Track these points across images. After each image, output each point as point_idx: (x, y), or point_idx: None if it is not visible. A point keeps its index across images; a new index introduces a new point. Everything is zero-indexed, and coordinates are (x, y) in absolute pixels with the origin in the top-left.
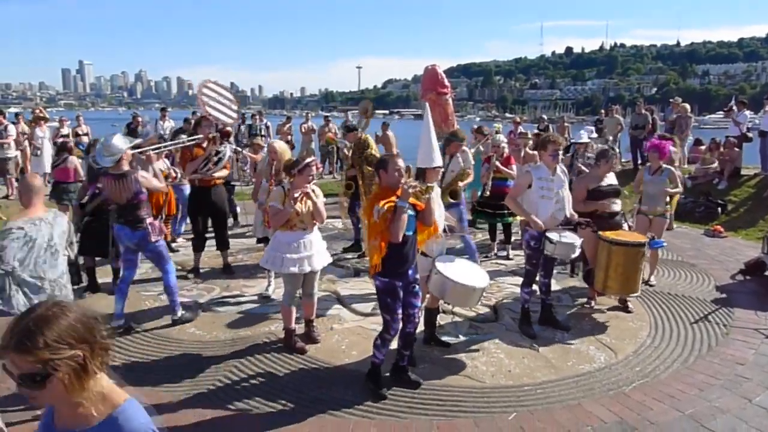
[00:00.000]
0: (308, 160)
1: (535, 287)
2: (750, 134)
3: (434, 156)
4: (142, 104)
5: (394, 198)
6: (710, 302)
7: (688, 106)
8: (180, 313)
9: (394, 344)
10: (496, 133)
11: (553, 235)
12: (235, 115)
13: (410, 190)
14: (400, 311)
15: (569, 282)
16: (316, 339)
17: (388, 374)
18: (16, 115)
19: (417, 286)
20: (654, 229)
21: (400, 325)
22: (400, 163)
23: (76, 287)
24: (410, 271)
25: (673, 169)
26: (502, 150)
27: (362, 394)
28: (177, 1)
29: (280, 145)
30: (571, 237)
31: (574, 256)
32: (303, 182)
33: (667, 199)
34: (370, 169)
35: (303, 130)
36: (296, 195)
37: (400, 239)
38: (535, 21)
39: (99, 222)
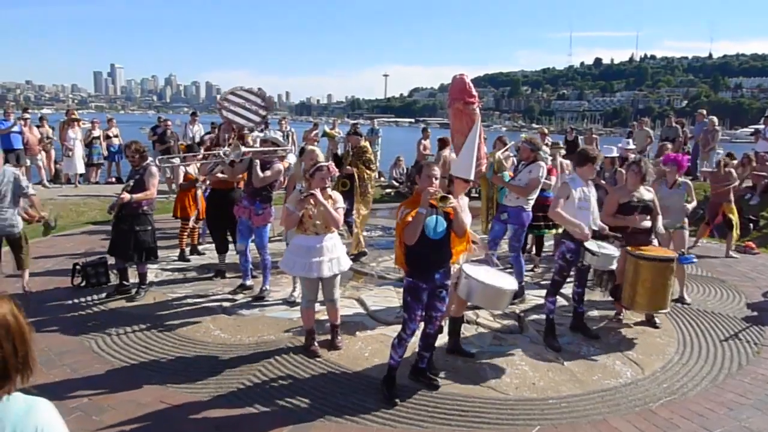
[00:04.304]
0: (320, 164)
1: (558, 298)
2: None
3: (470, 169)
4: (171, 108)
5: None
6: (741, 320)
7: (715, 119)
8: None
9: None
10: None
11: (593, 246)
12: (258, 119)
13: (427, 197)
14: (419, 313)
15: (595, 296)
16: (338, 346)
17: (408, 376)
18: (41, 118)
19: (444, 292)
20: (675, 243)
21: (416, 327)
22: (435, 170)
23: (104, 285)
24: (437, 275)
25: (689, 182)
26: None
27: (384, 401)
28: (207, 7)
29: (320, 151)
30: (610, 248)
31: (612, 267)
32: (317, 185)
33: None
34: (367, 171)
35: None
36: (301, 197)
37: (413, 242)
38: (565, 31)
39: (123, 225)
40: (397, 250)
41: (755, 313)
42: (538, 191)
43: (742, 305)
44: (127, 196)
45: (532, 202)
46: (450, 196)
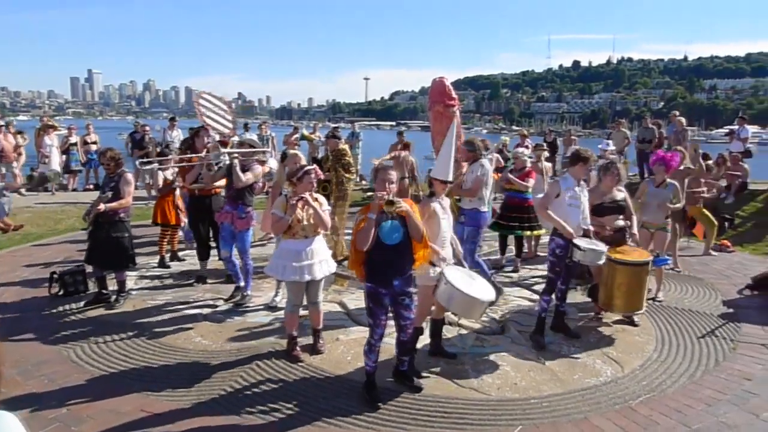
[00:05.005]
0: (307, 167)
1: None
2: (751, 148)
3: (448, 171)
4: (150, 113)
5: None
6: (717, 317)
7: (683, 120)
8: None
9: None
10: (505, 146)
11: (581, 242)
12: (230, 125)
13: (377, 202)
14: (383, 318)
15: (576, 296)
16: (320, 350)
17: (391, 379)
18: (6, 125)
19: (407, 299)
20: (655, 243)
21: (383, 331)
22: (390, 175)
23: (82, 294)
24: (396, 282)
25: (677, 184)
26: (522, 162)
27: (367, 405)
28: (185, 11)
29: (302, 155)
30: (598, 244)
31: (600, 263)
32: (304, 189)
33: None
34: (346, 175)
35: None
36: (292, 202)
37: (364, 248)
38: (543, 34)
39: (100, 232)
40: (351, 255)
41: (731, 310)
42: (486, 190)
43: (719, 303)
44: (102, 206)
45: (487, 202)
46: (399, 200)
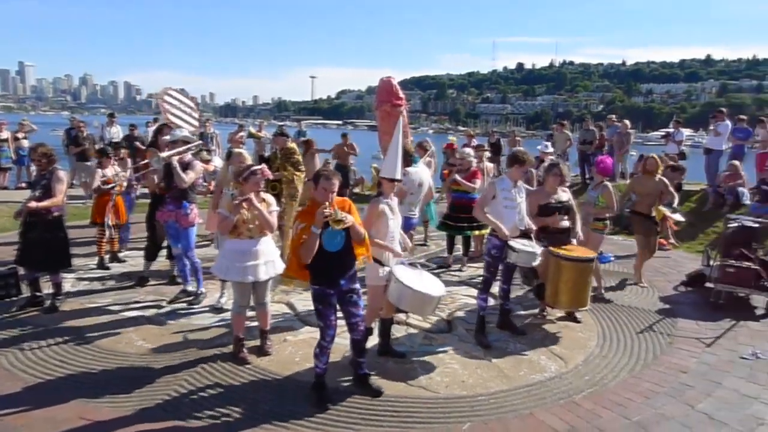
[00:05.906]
0: (254, 167)
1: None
2: (685, 150)
3: (396, 170)
4: (87, 109)
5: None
6: (655, 312)
7: (628, 123)
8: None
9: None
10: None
11: (515, 244)
12: (196, 123)
13: (322, 218)
14: (332, 318)
15: (521, 293)
16: (268, 351)
17: (341, 379)
18: None
19: (354, 296)
20: (590, 244)
21: (334, 332)
22: (333, 184)
23: (15, 298)
24: (342, 282)
25: (609, 186)
26: (468, 163)
27: (316, 406)
28: (124, 4)
29: (248, 154)
30: (532, 246)
31: (534, 264)
32: (251, 189)
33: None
34: (296, 173)
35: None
36: (236, 202)
37: (309, 261)
38: (488, 37)
39: (32, 232)
40: (291, 264)
41: (668, 306)
42: (414, 196)
43: (656, 299)
44: (33, 204)
45: (418, 208)
46: (344, 215)
